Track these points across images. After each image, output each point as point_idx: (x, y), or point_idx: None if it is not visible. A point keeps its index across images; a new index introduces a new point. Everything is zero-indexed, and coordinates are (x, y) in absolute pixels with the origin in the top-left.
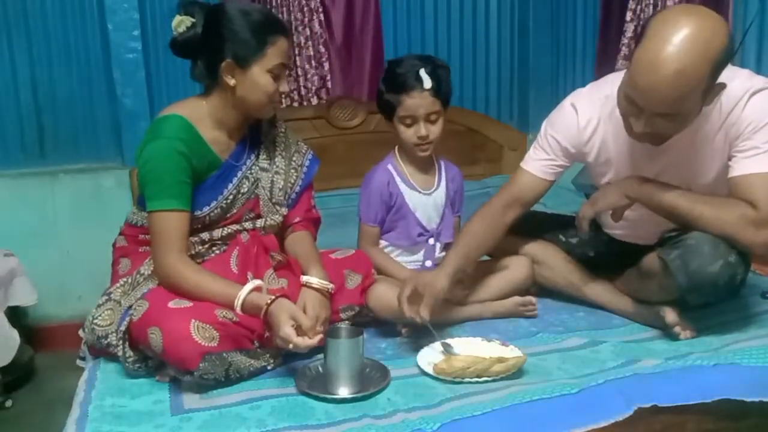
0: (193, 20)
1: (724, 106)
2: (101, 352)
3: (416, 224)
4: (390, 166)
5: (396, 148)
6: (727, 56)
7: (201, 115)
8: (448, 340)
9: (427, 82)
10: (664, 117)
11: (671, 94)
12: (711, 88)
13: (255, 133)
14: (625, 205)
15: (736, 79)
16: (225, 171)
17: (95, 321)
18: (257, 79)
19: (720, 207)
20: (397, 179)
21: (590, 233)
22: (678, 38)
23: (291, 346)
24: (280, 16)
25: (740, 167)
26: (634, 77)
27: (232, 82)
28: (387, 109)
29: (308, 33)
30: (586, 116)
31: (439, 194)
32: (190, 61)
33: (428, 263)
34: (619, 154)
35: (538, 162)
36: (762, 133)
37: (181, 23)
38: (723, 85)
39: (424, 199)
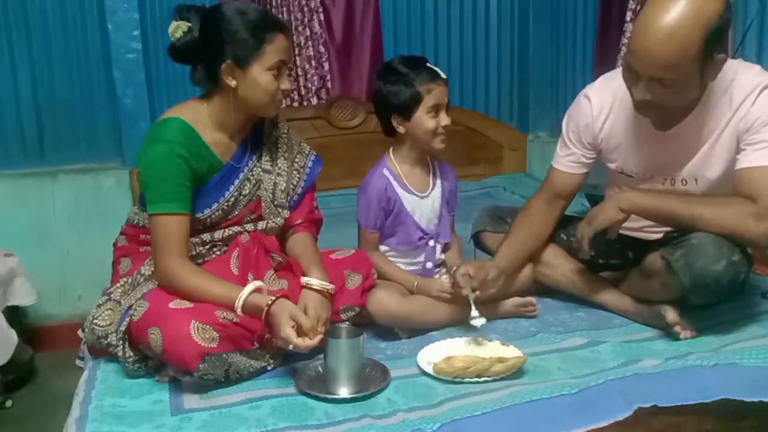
0: (189, 25)
1: (735, 99)
2: (101, 352)
3: (416, 228)
4: (386, 171)
5: (390, 150)
6: (723, 24)
7: (202, 117)
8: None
9: (442, 72)
10: (660, 83)
11: (663, 56)
12: (709, 59)
13: (257, 135)
14: (621, 219)
15: (748, 73)
16: (226, 173)
17: (95, 321)
18: (258, 78)
19: (718, 205)
20: (394, 183)
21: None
22: (672, 5)
23: (291, 346)
24: (279, 15)
25: (747, 159)
26: (630, 43)
27: (233, 83)
28: (409, 105)
29: (308, 33)
30: (599, 104)
31: (436, 195)
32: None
33: (429, 264)
34: (628, 141)
35: (565, 158)
36: None
37: (177, 29)
38: (723, 58)
39: (422, 202)
